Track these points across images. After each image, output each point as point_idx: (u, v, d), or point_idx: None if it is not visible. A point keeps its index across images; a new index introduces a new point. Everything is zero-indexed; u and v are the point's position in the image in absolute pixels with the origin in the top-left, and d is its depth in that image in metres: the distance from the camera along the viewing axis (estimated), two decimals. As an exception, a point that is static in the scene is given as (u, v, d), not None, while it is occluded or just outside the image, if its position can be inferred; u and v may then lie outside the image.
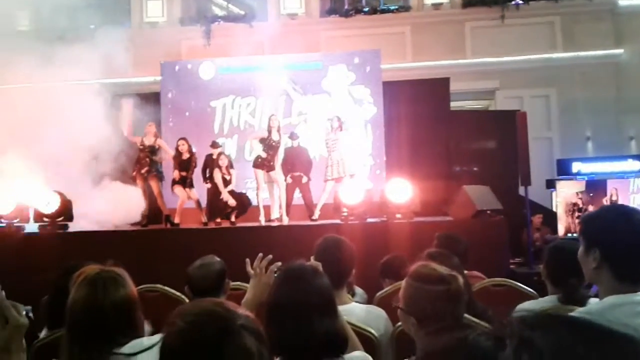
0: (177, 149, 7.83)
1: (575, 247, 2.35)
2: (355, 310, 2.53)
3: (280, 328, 1.71)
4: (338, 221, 6.76)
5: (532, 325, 0.45)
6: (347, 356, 1.79)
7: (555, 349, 0.41)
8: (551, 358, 0.41)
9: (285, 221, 7.44)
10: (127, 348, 1.76)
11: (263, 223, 7.40)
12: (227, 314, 1.05)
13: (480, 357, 0.43)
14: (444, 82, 10.04)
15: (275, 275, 2.03)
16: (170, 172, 7.90)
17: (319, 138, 8.56)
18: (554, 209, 9.08)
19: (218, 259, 2.64)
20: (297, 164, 7.96)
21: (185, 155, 7.78)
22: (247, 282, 3.61)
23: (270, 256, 2.16)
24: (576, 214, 8.03)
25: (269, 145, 7.58)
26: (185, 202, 7.77)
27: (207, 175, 7.80)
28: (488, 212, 6.46)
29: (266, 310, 1.80)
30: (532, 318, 0.45)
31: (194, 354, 1.01)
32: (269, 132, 7.63)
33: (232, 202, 7.38)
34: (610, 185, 8.15)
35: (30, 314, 3.18)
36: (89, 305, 1.77)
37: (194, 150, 7.97)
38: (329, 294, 1.83)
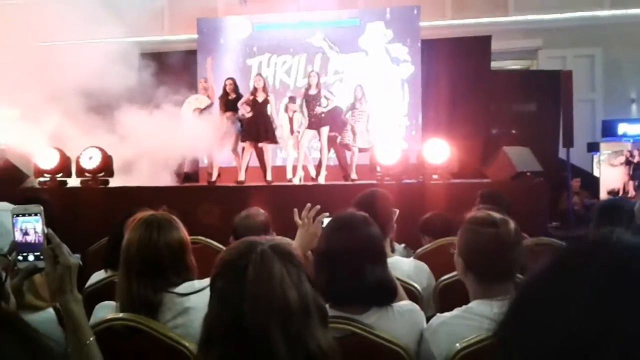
0: (224, 89, 7.88)
1: (626, 205, 2.28)
2: (398, 264, 2.53)
3: (330, 275, 1.72)
4: (373, 181, 6.73)
5: None
6: (395, 305, 1.80)
7: None
8: None
9: (321, 181, 7.48)
10: (180, 289, 1.81)
11: (296, 182, 7.50)
12: (257, 240, 1.19)
13: (632, 252, 0.43)
14: (484, 41, 9.76)
15: (323, 226, 2.04)
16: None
17: (344, 105, 8.34)
18: (594, 173, 8.87)
19: (262, 211, 2.66)
20: (331, 124, 7.92)
21: (232, 96, 7.82)
22: (285, 237, 3.67)
23: (318, 206, 2.17)
24: (628, 168, 7.74)
25: (307, 101, 7.59)
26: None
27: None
28: (528, 174, 6.34)
29: (316, 258, 1.81)
30: None
31: (224, 275, 1.16)
32: (307, 89, 7.63)
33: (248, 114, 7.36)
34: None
35: (80, 262, 3.30)
36: (144, 245, 1.81)
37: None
38: (380, 243, 1.83)
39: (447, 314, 1.77)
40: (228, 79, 7.98)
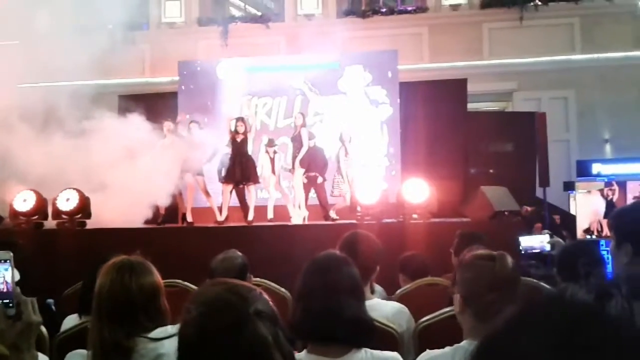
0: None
1: (590, 248, 2.31)
2: (378, 306, 2.51)
3: (308, 312, 1.70)
4: (353, 221, 6.73)
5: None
6: (378, 353, 1.78)
7: None
8: None
9: (296, 221, 7.49)
10: (154, 334, 1.77)
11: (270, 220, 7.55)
12: (241, 301, 1.04)
13: (584, 310, 0.44)
14: (461, 83, 9.99)
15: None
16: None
17: (332, 151, 8.43)
18: (571, 211, 8.99)
19: (240, 253, 2.64)
20: (312, 164, 7.97)
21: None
22: (265, 278, 3.63)
23: None
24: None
25: (291, 141, 7.91)
26: (194, 191, 7.79)
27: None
28: (506, 213, 6.40)
29: (294, 298, 1.80)
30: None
31: (209, 344, 1.00)
32: (295, 129, 7.97)
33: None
34: (631, 186, 8.07)
35: (53, 307, 3.22)
36: (115, 288, 1.78)
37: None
38: (357, 282, 1.82)
39: (436, 351, 1.74)
40: (192, 122, 8.04)
